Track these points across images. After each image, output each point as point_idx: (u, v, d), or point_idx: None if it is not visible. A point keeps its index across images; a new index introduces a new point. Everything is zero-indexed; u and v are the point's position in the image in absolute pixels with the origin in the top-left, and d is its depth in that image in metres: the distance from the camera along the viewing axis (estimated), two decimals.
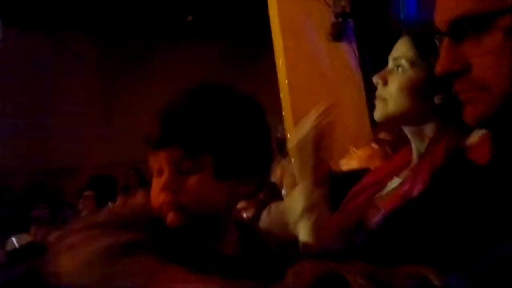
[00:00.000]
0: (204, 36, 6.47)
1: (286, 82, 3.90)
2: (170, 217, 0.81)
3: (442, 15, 0.64)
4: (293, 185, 4.16)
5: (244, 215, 2.80)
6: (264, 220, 1.89)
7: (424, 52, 1.07)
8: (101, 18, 6.00)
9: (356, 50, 3.85)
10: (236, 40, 6.64)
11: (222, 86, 0.95)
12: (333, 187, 1.20)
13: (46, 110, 6.21)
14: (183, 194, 0.81)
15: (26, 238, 3.98)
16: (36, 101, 6.23)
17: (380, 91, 1.16)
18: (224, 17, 6.03)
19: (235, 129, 0.85)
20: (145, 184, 5.43)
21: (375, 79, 1.14)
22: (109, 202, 4.64)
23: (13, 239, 4.04)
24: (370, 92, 1.35)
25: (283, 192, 3.23)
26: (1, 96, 6.14)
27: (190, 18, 5.54)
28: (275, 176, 3.94)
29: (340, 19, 3.76)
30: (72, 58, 6.61)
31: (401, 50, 1.12)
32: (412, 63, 1.10)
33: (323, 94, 3.85)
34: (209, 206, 0.83)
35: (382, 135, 2.38)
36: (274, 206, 1.94)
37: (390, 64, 1.17)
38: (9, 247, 3.92)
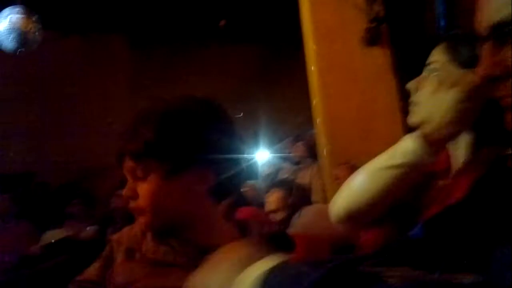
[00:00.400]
0: (237, 41, 6.53)
1: (318, 88, 3.88)
2: (140, 221, 0.90)
3: (483, 19, 0.63)
4: (322, 189, 4.15)
5: (274, 218, 2.81)
6: (295, 221, 1.91)
7: (461, 58, 1.05)
8: (137, 22, 6.13)
9: (390, 55, 3.80)
10: (269, 45, 6.66)
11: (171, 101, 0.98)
12: None
13: (81, 110, 6.39)
14: (140, 199, 0.88)
15: (61, 233, 4.10)
16: (72, 102, 6.42)
17: (414, 97, 1.15)
18: (257, 21, 6.06)
19: (172, 129, 0.89)
20: None
21: (409, 85, 1.13)
22: None
23: (49, 233, 4.18)
24: (404, 98, 1.32)
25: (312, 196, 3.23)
26: (39, 96, 6.37)
27: (223, 22, 5.58)
28: (304, 180, 3.93)
29: (374, 24, 3.72)
30: (106, 60, 6.79)
31: (437, 57, 1.11)
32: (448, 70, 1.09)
33: (356, 99, 3.83)
34: (167, 206, 0.88)
35: None
36: (305, 210, 1.95)
37: (425, 70, 1.15)
38: (44, 241, 4.05)
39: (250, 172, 4.91)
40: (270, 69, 6.68)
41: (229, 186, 0.96)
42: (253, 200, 3.54)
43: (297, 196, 2.65)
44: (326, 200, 3.84)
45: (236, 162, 0.96)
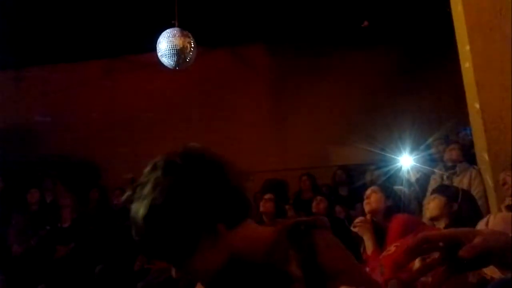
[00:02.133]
0: (379, 42, 6.40)
1: (475, 84, 3.61)
2: None
3: None
4: (483, 194, 3.83)
5: (435, 225, 2.69)
6: (483, 229, 1.79)
7: None
8: (276, 30, 6.35)
9: None
10: (411, 45, 6.40)
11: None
12: None
13: (227, 119, 6.81)
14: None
15: None
16: (218, 112, 6.88)
17: None
18: (401, 21, 5.86)
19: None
20: (317, 189, 5.57)
21: None
22: (285, 205, 4.89)
23: None
24: None
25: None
26: (183, 109, 6.96)
27: (366, 23, 5.48)
28: (461, 186, 3.68)
29: None
30: (248, 70, 7.15)
31: None
32: None
33: None
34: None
35: None
36: (493, 218, 1.82)
37: None
38: None
39: (396, 177, 4.74)
40: (414, 70, 6.40)
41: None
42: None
43: (465, 203, 2.49)
44: (488, 207, 3.55)
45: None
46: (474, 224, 2.13)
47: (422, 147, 4.99)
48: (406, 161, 4.98)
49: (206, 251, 0.91)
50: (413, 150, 5.04)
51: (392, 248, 2.08)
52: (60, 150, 6.66)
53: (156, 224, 0.90)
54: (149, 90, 6.98)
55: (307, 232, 0.95)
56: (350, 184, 5.70)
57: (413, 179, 4.74)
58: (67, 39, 6.26)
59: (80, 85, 7.07)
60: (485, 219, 1.90)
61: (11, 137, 6.44)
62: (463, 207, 2.49)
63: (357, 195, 4.78)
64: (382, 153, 5.43)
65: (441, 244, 0.70)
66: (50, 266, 4.46)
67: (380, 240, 2.84)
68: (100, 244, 4.70)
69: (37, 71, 7.17)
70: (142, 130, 6.86)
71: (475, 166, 3.87)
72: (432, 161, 4.75)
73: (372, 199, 3.06)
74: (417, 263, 1.73)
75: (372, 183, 4.38)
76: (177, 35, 4.49)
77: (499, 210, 2.99)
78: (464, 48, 3.77)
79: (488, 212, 3.20)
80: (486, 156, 3.44)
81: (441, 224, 2.68)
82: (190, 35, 4.58)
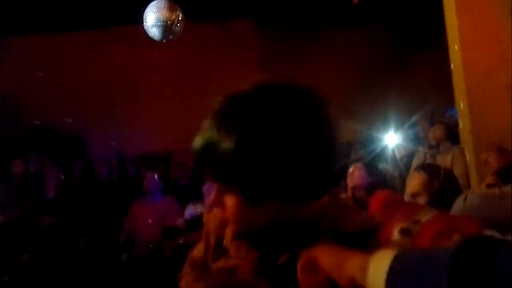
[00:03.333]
0: (368, 20, 6.36)
1: (461, 65, 3.63)
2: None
3: None
4: (464, 173, 3.91)
5: (416, 201, 2.74)
6: (459, 206, 1.84)
7: None
8: (267, 4, 6.27)
9: None
10: (399, 24, 6.38)
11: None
12: None
13: (214, 93, 6.74)
14: (226, 210, 0.82)
15: (201, 207, 4.41)
16: (205, 86, 6.83)
17: None
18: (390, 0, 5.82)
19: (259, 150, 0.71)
20: None
21: None
22: None
23: (192, 206, 4.51)
24: None
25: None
26: (175, 82, 6.90)
27: (355, 1, 5.43)
28: (444, 164, 3.73)
29: None
30: (236, 46, 7.08)
31: None
32: None
33: (503, 76, 3.51)
34: (250, 222, 0.81)
35: None
36: (470, 195, 1.87)
37: None
38: (187, 214, 4.40)
39: (381, 155, 4.80)
40: (402, 49, 6.41)
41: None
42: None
43: (446, 181, 2.52)
44: (469, 186, 3.62)
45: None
46: (453, 201, 2.18)
47: (407, 125, 5.03)
48: (391, 140, 5.03)
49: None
50: (398, 129, 5.09)
51: None
52: (45, 121, 6.58)
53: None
54: (136, 62, 6.90)
55: None
56: None
57: (398, 157, 4.79)
58: (54, 9, 6.11)
59: (66, 56, 6.95)
60: (463, 196, 1.94)
61: None
62: (444, 185, 2.52)
63: (342, 173, 4.83)
64: (368, 131, 5.47)
65: None
66: (34, 236, 4.47)
67: None
68: (85, 215, 4.71)
69: (22, 40, 7.02)
70: (128, 102, 6.79)
71: (458, 146, 3.93)
72: (417, 139, 4.80)
73: (355, 176, 3.10)
74: (396, 235, 1.77)
75: (357, 161, 4.43)
76: (165, 7, 4.42)
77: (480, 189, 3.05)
78: (452, 28, 3.77)
79: None
80: (469, 136, 3.49)
81: (421, 200, 2.72)
82: (178, 7, 4.51)
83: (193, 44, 6.60)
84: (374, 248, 0.70)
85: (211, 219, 0.94)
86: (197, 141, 0.77)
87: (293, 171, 0.71)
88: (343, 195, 3.21)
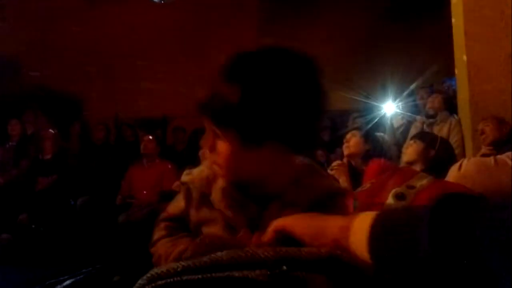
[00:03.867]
0: None
1: (463, 34, 3.57)
2: (217, 171, 0.90)
3: None
4: (461, 143, 3.91)
5: (415, 168, 2.76)
6: (454, 174, 1.85)
7: None
8: None
9: None
10: None
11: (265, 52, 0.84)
12: None
13: (212, 56, 6.68)
14: (218, 156, 0.86)
15: None
16: (203, 48, 6.74)
17: None
18: None
19: (260, 95, 0.79)
20: None
21: None
22: None
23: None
24: None
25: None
26: (174, 45, 6.80)
27: None
28: (440, 134, 3.74)
29: None
30: (236, 9, 6.95)
31: None
32: None
33: (504, 47, 3.47)
34: (243, 170, 0.86)
35: None
36: (466, 163, 1.88)
37: None
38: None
39: (379, 124, 4.79)
40: (403, 17, 6.30)
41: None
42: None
43: (442, 151, 2.53)
44: (464, 156, 3.64)
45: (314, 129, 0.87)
46: (448, 170, 2.20)
47: (405, 94, 5.01)
48: (389, 108, 5.01)
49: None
50: (396, 97, 5.07)
51: (367, 185, 2.14)
52: (42, 81, 6.52)
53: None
54: (134, 23, 6.78)
55: None
56: (332, 129, 5.74)
57: (395, 126, 4.79)
58: None
59: (62, 15, 6.81)
60: (458, 163, 1.96)
61: None
62: (440, 154, 2.54)
63: (338, 140, 4.84)
64: (366, 100, 5.44)
65: None
66: (32, 197, 4.50)
67: (357, 184, 2.92)
68: (82, 177, 4.73)
69: None
70: (125, 64, 6.72)
71: (455, 116, 3.92)
72: (415, 109, 4.79)
73: (351, 143, 3.11)
74: (390, 199, 1.79)
75: (354, 129, 4.43)
76: None
77: None
78: None
79: None
80: (467, 106, 3.48)
81: (417, 168, 2.75)
82: None
83: (193, 6, 6.48)
84: (342, 211, 0.77)
85: (196, 176, 0.97)
86: (204, 92, 0.84)
87: (287, 117, 0.80)
88: (338, 162, 3.23)
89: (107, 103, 6.42)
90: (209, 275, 0.56)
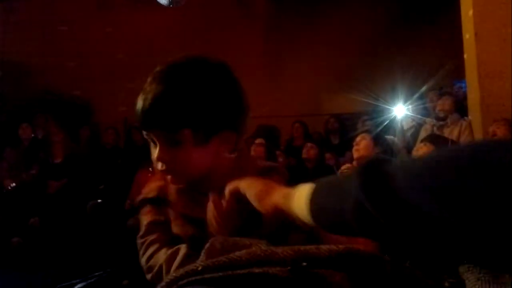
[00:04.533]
0: None
1: (474, 35, 3.56)
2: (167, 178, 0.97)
3: None
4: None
5: None
6: None
7: None
8: None
9: None
10: None
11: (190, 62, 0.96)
12: None
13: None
14: (176, 164, 0.93)
15: None
16: (213, 52, 6.75)
17: None
18: None
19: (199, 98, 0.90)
20: (308, 137, 5.60)
21: None
22: (276, 150, 4.93)
23: None
24: None
25: None
26: (182, 48, 6.83)
27: None
28: (451, 137, 3.71)
29: None
30: (245, 12, 6.97)
31: None
32: None
33: None
34: (198, 170, 0.94)
35: None
36: None
37: None
38: None
39: (389, 127, 4.77)
40: (413, 20, 6.28)
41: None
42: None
43: None
44: None
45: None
46: None
47: (416, 97, 4.98)
48: (399, 111, 4.98)
49: (194, 149, 0.91)
50: (407, 100, 5.04)
51: None
52: (52, 86, 6.58)
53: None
54: (143, 27, 6.82)
55: None
56: (342, 132, 5.72)
57: (405, 128, 4.76)
58: None
59: (72, 19, 6.88)
60: None
61: (2, 72, 6.33)
62: None
63: (348, 144, 4.82)
64: (376, 103, 5.42)
65: None
66: (42, 201, 4.53)
67: None
68: (92, 181, 4.75)
69: (27, 3, 6.94)
70: (135, 67, 6.73)
71: (466, 118, 3.90)
72: (425, 111, 4.76)
73: (361, 146, 3.10)
74: None
75: (364, 132, 4.41)
76: None
77: None
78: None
79: None
80: (478, 108, 3.46)
81: None
82: None
83: (201, 9, 6.50)
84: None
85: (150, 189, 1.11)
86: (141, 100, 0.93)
87: (204, 106, 0.90)
88: (348, 165, 3.22)
89: (116, 107, 6.44)
90: (229, 272, 0.56)
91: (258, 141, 4.55)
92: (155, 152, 0.93)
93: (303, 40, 6.62)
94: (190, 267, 0.61)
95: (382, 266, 0.61)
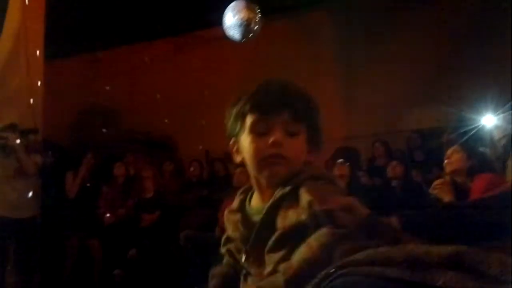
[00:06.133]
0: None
1: None
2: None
3: None
4: None
5: None
6: None
7: None
8: None
9: None
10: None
11: None
12: None
13: None
14: (288, 151, 1.06)
15: None
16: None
17: None
18: None
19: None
20: (391, 155, 5.44)
21: None
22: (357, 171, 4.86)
23: None
24: None
25: None
26: (256, 77, 6.99)
27: None
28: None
29: None
30: (312, 38, 7.03)
31: None
32: None
33: None
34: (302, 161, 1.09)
35: None
36: None
37: None
38: None
39: (478, 137, 4.53)
40: (501, 21, 5.94)
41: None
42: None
43: None
44: None
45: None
46: None
47: (506, 106, 4.69)
48: (488, 121, 4.72)
49: None
50: (495, 110, 4.76)
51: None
52: (138, 126, 7.02)
53: None
54: (217, 63, 7.10)
55: None
56: (424, 148, 5.53)
57: (496, 139, 4.50)
58: (137, 19, 6.53)
59: (152, 63, 7.35)
60: None
61: (93, 117, 6.89)
62: None
63: (433, 159, 4.64)
64: (464, 113, 5.16)
65: None
66: (138, 233, 4.79)
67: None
68: (183, 212, 4.96)
69: (110, 52, 7.54)
70: (213, 103, 7.00)
71: None
72: None
73: (453, 159, 2.98)
74: None
75: (450, 145, 4.23)
76: (244, 7, 4.51)
77: None
78: None
79: None
80: None
81: None
82: (256, 6, 4.58)
83: (269, 42, 6.65)
84: None
85: None
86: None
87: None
88: (440, 180, 3.09)
89: (197, 141, 6.70)
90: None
91: (340, 161, 4.54)
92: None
93: (376, 56, 6.47)
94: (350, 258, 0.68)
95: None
